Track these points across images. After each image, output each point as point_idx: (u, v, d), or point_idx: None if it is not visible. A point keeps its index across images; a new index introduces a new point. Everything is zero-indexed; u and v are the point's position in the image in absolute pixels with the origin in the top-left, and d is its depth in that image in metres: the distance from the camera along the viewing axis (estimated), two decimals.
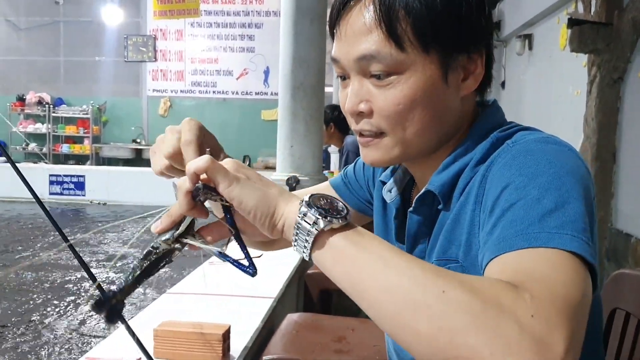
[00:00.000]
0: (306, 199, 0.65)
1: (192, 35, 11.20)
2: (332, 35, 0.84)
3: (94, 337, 3.86)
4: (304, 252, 0.65)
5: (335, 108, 4.33)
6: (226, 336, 1.56)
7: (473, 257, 0.77)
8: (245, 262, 0.69)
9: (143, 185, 9.51)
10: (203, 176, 0.67)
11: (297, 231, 0.64)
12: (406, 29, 0.76)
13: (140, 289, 4.79)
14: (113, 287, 0.65)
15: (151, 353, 1.48)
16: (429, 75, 0.78)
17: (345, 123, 4.13)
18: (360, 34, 0.78)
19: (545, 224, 0.63)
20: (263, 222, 0.66)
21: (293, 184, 3.39)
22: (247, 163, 11.05)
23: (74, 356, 3.52)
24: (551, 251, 0.61)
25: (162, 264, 0.68)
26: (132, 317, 1.83)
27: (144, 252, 0.67)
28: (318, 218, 0.63)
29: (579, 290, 0.59)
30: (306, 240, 0.64)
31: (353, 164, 1.11)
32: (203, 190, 0.65)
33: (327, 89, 3.97)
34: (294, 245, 0.66)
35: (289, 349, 1.80)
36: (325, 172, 4.43)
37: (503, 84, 7.08)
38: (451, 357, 0.54)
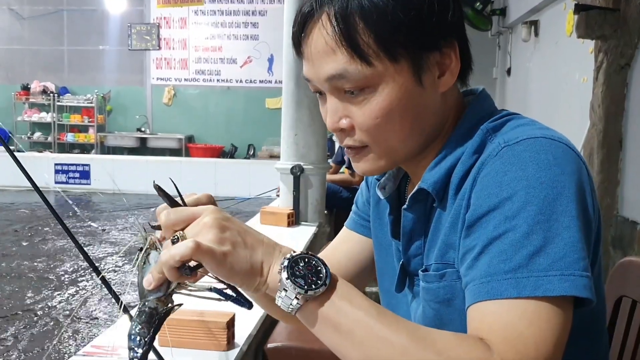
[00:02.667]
0: (285, 264, 0.65)
1: (195, 23, 11.16)
2: (299, 55, 0.82)
3: (99, 325, 3.88)
4: (288, 312, 0.66)
5: None
6: (230, 324, 1.57)
7: None
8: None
9: (148, 174, 9.51)
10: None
11: (280, 299, 0.66)
12: (368, 42, 0.74)
13: None
14: (133, 354, 0.66)
15: (156, 341, 1.48)
16: (402, 83, 0.76)
17: None
18: (324, 54, 0.76)
19: (533, 265, 0.65)
20: (247, 289, 0.69)
21: (297, 172, 3.38)
22: (252, 152, 11.05)
23: (79, 344, 3.55)
24: (534, 303, 0.64)
25: (165, 320, 0.69)
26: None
27: (145, 314, 0.67)
28: (299, 293, 0.64)
29: (551, 343, 0.64)
30: (289, 307, 0.66)
31: (360, 187, 1.10)
32: (190, 270, 0.65)
33: None
34: (278, 304, 0.67)
35: (293, 337, 1.80)
36: (330, 160, 4.43)
37: (509, 71, 7.03)
38: None
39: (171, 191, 0.72)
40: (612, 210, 3.47)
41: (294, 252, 0.67)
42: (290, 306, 0.65)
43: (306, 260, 0.66)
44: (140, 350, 0.66)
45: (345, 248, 1.06)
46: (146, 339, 0.66)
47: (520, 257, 0.66)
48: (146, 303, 0.67)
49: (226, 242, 0.65)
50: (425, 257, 0.84)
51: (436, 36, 0.77)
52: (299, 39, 0.80)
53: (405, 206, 0.85)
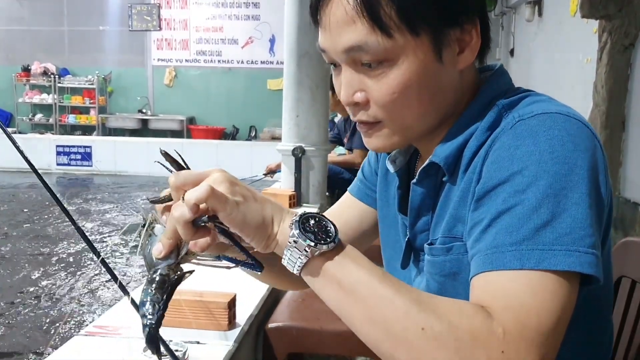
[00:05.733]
0: (296, 219, 0.66)
1: (196, 3, 11.06)
2: (315, 24, 0.80)
3: (100, 306, 3.91)
4: (293, 270, 0.67)
5: None
6: (232, 304, 1.57)
7: None
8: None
9: (149, 155, 9.52)
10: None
11: (289, 254, 0.66)
12: (390, 14, 0.72)
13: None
14: (148, 321, 0.65)
15: None
16: (422, 59, 0.75)
17: None
18: (343, 24, 0.74)
19: (539, 238, 0.65)
20: (258, 244, 0.68)
21: (299, 154, 3.37)
22: (254, 134, 11.03)
23: (81, 324, 3.58)
24: (538, 275, 0.64)
25: (177, 286, 0.68)
26: (138, 286, 1.84)
27: (157, 282, 0.66)
28: (309, 245, 0.65)
29: (554, 315, 0.63)
30: (296, 262, 0.66)
31: (367, 156, 1.08)
32: (207, 220, 0.65)
33: None
34: (284, 262, 0.68)
35: (295, 317, 1.81)
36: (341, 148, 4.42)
37: (512, 52, 6.98)
38: None
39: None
40: (614, 191, 3.46)
41: (304, 212, 0.68)
42: (298, 261, 0.66)
43: (317, 219, 0.67)
44: (154, 317, 0.65)
45: (346, 215, 1.05)
46: (160, 305, 0.65)
47: (526, 230, 0.65)
48: (157, 271, 0.67)
49: (237, 194, 0.66)
50: (432, 232, 0.83)
51: (458, 12, 0.76)
52: (316, 7, 0.78)
53: (414, 180, 0.84)
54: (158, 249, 0.67)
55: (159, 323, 0.65)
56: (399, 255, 0.91)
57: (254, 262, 0.71)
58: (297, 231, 0.65)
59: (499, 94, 0.80)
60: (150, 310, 0.65)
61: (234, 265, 0.70)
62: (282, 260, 0.67)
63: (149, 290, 0.66)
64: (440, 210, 0.82)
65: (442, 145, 0.80)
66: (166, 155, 0.70)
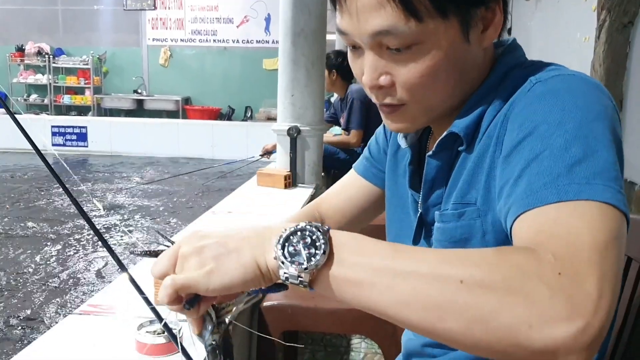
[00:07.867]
0: (278, 249, 0.60)
1: None
2: (334, 5, 0.77)
3: (97, 282, 3.91)
4: (302, 288, 0.61)
5: (340, 54, 4.23)
6: None
7: (491, 200, 0.75)
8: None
9: (145, 136, 9.50)
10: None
11: (288, 282, 0.61)
12: None
13: (143, 236, 4.83)
14: None
15: (152, 299, 1.49)
16: (451, 41, 0.73)
17: (349, 71, 4.05)
18: (371, 8, 0.71)
19: (574, 174, 0.61)
20: (258, 287, 0.63)
21: (294, 134, 3.35)
22: (249, 114, 10.98)
23: (77, 303, 3.58)
24: (581, 203, 0.58)
25: (230, 341, 0.71)
26: (133, 267, 1.83)
27: (212, 353, 0.69)
28: (300, 273, 0.59)
29: (608, 232, 0.57)
30: (300, 285, 0.60)
31: (375, 134, 1.08)
32: (193, 304, 0.65)
33: (329, 36, 3.88)
34: (292, 286, 0.62)
35: (290, 295, 1.81)
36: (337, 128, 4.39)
37: (509, 31, 6.93)
38: (494, 342, 0.52)
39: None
40: None
41: (285, 229, 0.61)
42: (302, 284, 0.59)
43: (298, 233, 0.60)
44: None
45: (350, 193, 1.07)
46: None
47: (560, 168, 0.62)
48: (206, 344, 0.69)
49: (207, 261, 0.61)
50: (444, 203, 0.83)
51: None
52: None
53: (430, 153, 0.84)
54: (192, 329, 0.69)
55: None
56: (409, 233, 0.91)
57: (277, 284, 0.67)
58: (283, 262, 0.59)
59: (514, 66, 0.81)
60: None
61: (262, 293, 0.69)
62: (289, 286, 0.63)
63: None
64: (453, 182, 0.82)
65: (461, 117, 0.80)
66: (140, 254, 0.72)
